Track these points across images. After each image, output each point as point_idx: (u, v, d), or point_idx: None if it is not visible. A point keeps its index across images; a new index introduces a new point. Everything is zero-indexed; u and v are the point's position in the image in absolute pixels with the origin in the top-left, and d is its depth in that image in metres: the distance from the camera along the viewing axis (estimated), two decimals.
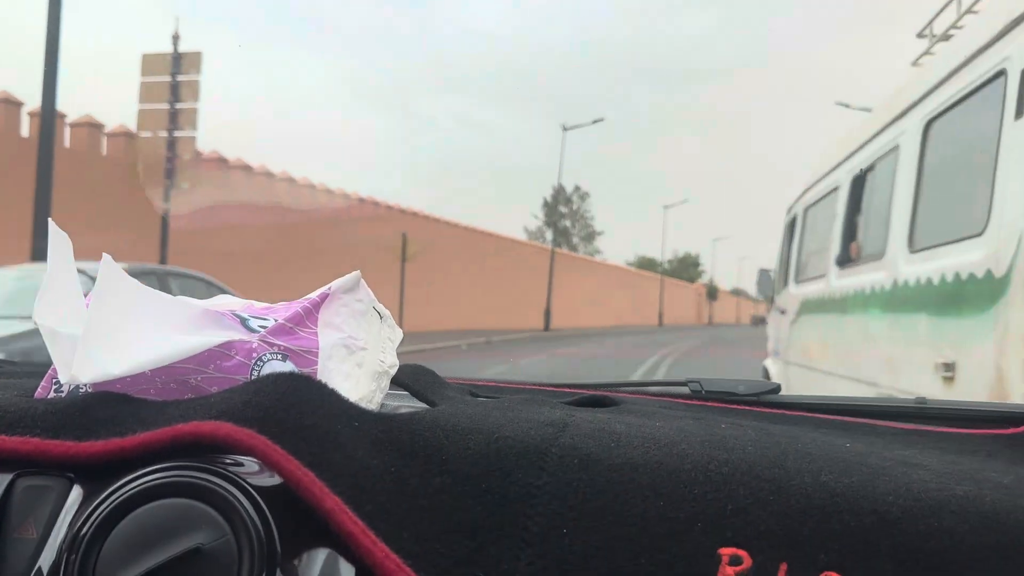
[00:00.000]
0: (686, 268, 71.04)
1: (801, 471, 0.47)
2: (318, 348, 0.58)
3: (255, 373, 0.55)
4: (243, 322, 0.58)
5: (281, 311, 0.61)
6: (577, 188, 56.94)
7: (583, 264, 39.79)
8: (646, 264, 59.99)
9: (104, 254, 0.52)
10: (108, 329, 0.51)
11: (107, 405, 0.50)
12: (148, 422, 0.47)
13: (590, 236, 56.85)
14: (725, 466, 0.47)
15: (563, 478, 0.46)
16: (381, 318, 0.67)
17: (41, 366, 0.84)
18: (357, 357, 0.60)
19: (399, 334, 0.69)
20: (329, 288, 0.62)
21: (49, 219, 0.56)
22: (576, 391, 0.82)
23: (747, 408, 0.76)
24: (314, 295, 0.62)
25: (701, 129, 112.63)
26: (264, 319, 0.59)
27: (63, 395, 0.56)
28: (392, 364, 0.65)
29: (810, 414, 0.73)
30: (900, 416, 0.75)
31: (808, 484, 0.45)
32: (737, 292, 79.90)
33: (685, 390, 0.83)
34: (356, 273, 0.64)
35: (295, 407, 0.47)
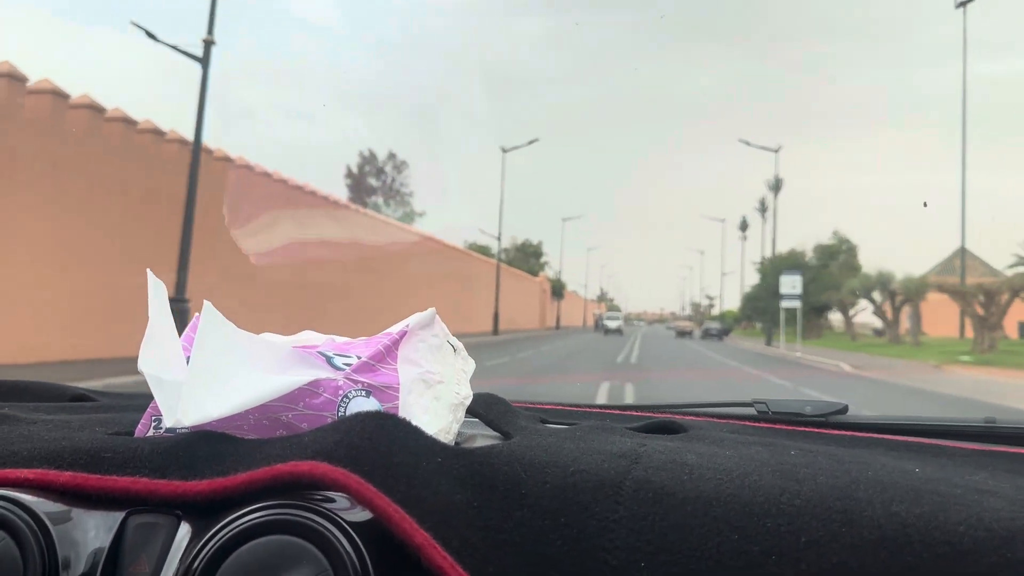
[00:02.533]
0: (526, 258, 56.38)
1: (872, 501, 0.48)
2: (399, 384, 0.61)
3: (342, 409, 0.58)
4: (328, 360, 0.61)
5: (361, 347, 0.64)
6: (392, 156, 45.18)
7: (361, 223, 20.63)
8: (478, 252, 39.43)
9: (205, 301, 0.56)
10: (208, 374, 0.54)
11: (208, 444, 0.53)
12: (247, 461, 0.51)
13: (408, 216, 44.12)
14: (797, 498, 0.48)
15: (638, 512, 0.48)
16: (455, 351, 0.70)
17: (119, 397, 0.89)
18: (435, 391, 0.63)
19: (472, 365, 0.71)
20: (407, 325, 0.65)
21: (148, 270, 0.60)
22: (644, 414, 0.83)
23: (815, 430, 0.76)
24: (393, 332, 0.65)
25: (543, 128, 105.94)
26: (347, 356, 0.62)
27: (162, 431, 0.59)
28: (467, 395, 0.67)
29: (878, 435, 0.73)
30: (970, 436, 0.74)
31: (879, 515, 0.46)
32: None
33: (751, 411, 0.83)
34: (431, 310, 0.67)
35: (383, 445, 0.50)
